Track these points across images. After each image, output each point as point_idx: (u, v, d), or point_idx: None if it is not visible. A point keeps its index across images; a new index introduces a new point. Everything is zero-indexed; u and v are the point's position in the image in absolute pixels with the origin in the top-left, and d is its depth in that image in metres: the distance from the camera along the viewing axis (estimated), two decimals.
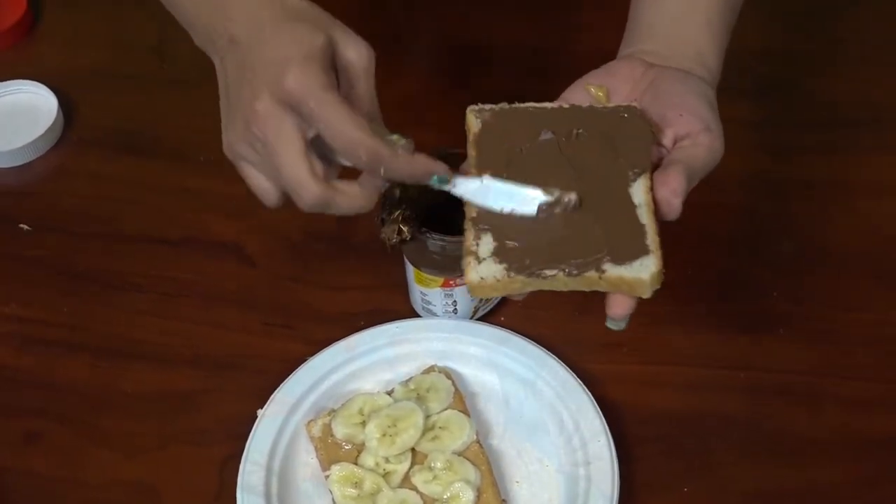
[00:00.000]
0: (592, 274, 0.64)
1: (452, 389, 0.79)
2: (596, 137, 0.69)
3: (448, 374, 0.80)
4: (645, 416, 0.81)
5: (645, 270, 0.63)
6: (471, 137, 0.70)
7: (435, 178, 0.65)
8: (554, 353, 0.81)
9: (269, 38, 0.63)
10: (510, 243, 0.65)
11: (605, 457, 0.75)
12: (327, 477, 0.76)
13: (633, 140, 0.69)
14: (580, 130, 0.69)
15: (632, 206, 0.66)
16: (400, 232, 0.78)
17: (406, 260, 0.82)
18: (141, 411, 0.83)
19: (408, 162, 0.64)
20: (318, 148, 0.63)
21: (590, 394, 0.78)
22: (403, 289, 0.86)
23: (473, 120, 0.71)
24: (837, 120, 1.01)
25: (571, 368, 0.80)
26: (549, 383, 0.80)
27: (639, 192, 0.66)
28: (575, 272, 0.64)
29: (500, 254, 0.65)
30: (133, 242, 0.94)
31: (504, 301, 0.87)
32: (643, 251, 0.64)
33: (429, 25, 1.12)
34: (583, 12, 1.10)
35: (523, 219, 0.66)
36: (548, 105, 0.72)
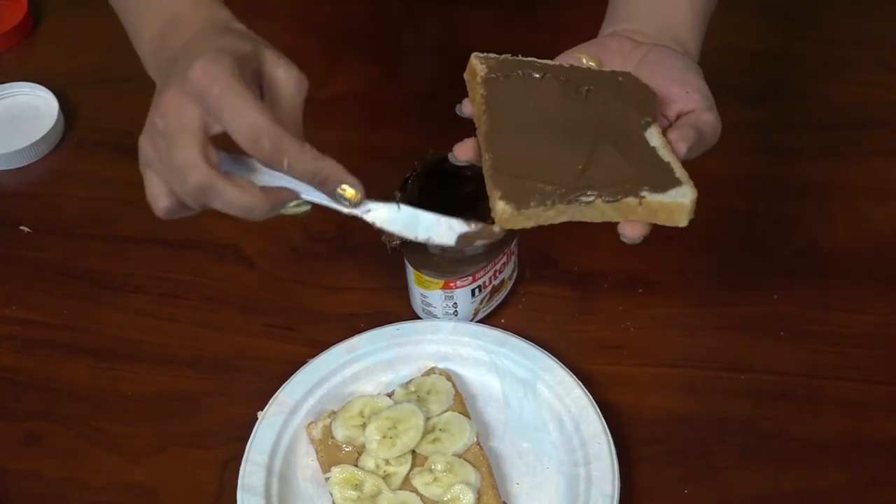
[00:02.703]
0: (631, 200, 0.64)
1: (453, 391, 0.79)
2: (602, 92, 0.70)
3: (448, 376, 0.80)
4: (645, 418, 0.81)
5: (684, 197, 0.64)
6: (477, 79, 0.70)
7: (345, 192, 0.61)
8: (554, 355, 0.81)
9: (196, 46, 0.62)
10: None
11: (604, 457, 0.75)
12: (328, 479, 0.76)
13: (637, 95, 0.70)
14: (589, 87, 0.70)
15: (651, 148, 0.67)
16: None
17: (406, 262, 0.82)
18: (141, 413, 0.83)
19: (314, 160, 0.60)
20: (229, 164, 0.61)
21: (590, 395, 0.78)
22: (404, 291, 0.86)
23: (479, 65, 0.71)
24: (838, 122, 1.01)
25: (571, 370, 0.80)
26: (548, 385, 0.80)
27: (653, 137, 0.68)
28: (613, 198, 0.64)
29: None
30: (133, 244, 0.94)
31: (505, 303, 0.87)
32: (676, 182, 0.65)
33: (430, 28, 1.12)
34: (581, 14, 1.10)
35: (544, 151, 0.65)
36: (549, 62, 0.72)
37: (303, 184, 0.62)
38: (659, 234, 0.83)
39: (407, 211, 0.64)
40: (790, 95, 1.04)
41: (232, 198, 0.60)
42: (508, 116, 0.68)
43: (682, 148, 0.67)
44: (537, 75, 0.71)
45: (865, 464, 0.78)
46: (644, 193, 0.64)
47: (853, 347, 0.84)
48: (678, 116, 0.71)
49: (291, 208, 0.63)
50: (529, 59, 0.72)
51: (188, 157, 0.59)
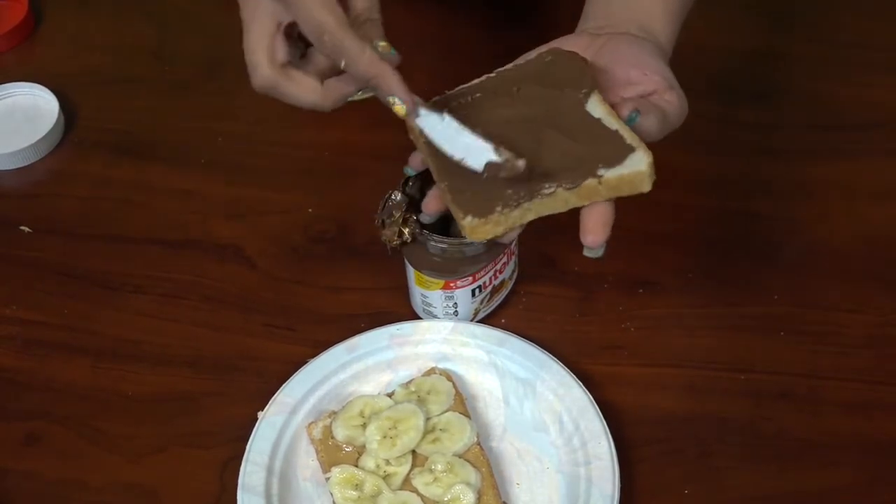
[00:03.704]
0: (591, 182, 0.64)
1: (453, 391, 0.79)
2: (533, 85, 0.71)
3: (448, 376, 0.80)
4: (645, 418, 0.81)
5: (641, 163, 0.64)
6: (416, 131, 0.70)
7: (393, 105, 0.64)
8: (554, 355, 0.81)
9: None
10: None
11: (605, 456, 0.75)
12: (328, 479, 0.76)
13: (569, 71, 0.70)
14: (518, 88, 0.71)
15: (596, 121, 0.67)
16: (401, 234, 0.78)
17: (407, 262, 0.82)
18: (141, 413, 0.83)
19: (371, 63, 0.62)
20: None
21: (590, 395, 0.78)
22: (404, 291, 0.86)
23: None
24: (838, 123, 1.01)
25: (571, 370, 0.80)
26: (549, 385, 0.80)
27: (595, 107, 0.68)
28: (573, 184, 0.64)
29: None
30: (134, 244, 0.94)
31: (505, 303, 0.87)
32: (628, 150, 0.65)
33: (430, 28, 1.12)
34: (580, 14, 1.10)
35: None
36: (475, 81, 0.73)
37: None
38: (659, 234, 0.84)
39: (450, 123, 0.66)
40: (790, 95, 1.04)
41: (294, 96, 0.64)
42: None
43: (625, 112, 0.67)
44: (469, 99, 0.72)
45: (865, 464, 0.78)
46: (601, 172, 0.64)
47: (853, 347, 0.84)
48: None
49: (359, 96, 0.66)
50: (458, 88, 0.73)
51: (254, 57, 0.62)
